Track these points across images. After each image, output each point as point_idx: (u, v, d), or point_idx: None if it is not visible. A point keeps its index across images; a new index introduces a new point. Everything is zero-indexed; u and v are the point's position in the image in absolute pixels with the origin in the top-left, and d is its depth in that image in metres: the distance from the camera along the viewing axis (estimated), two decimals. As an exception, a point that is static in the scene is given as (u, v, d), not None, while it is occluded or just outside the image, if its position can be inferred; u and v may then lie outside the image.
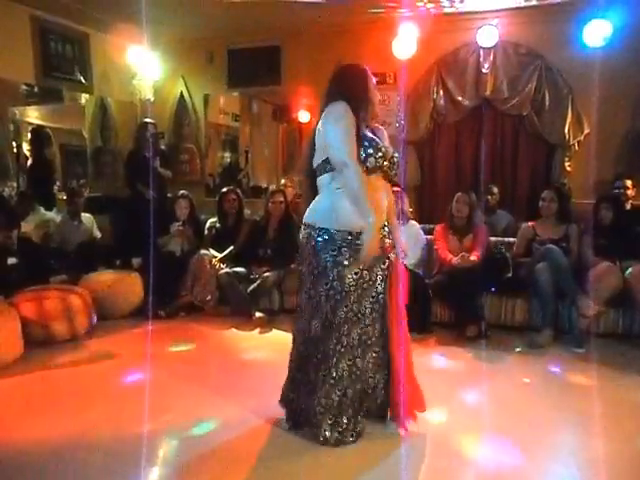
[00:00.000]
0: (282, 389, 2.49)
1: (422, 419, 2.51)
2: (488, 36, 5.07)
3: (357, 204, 2.18)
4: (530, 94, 5.10)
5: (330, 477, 2.14)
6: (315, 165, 2.32)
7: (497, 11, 5.09)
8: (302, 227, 2.35)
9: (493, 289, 4.04)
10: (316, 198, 2.34)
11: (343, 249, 2.21)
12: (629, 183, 4.56)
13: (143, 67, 6.09)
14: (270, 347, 3.79)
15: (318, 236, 2.25)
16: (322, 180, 2.31)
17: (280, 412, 2.50)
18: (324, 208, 2.28)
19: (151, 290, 4.19)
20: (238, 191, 5.04)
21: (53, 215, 5.28)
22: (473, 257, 4.02)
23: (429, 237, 4.42)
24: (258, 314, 4.28)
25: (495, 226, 4.80)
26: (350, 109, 2.20)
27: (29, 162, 5.77)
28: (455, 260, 4.03)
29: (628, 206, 4.48)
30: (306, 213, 2.36)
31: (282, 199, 4.71)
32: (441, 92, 5.40)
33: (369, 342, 2.34)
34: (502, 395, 2.93)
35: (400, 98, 5.48)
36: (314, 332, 2.30)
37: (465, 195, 4.23)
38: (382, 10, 5.03)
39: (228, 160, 6.80)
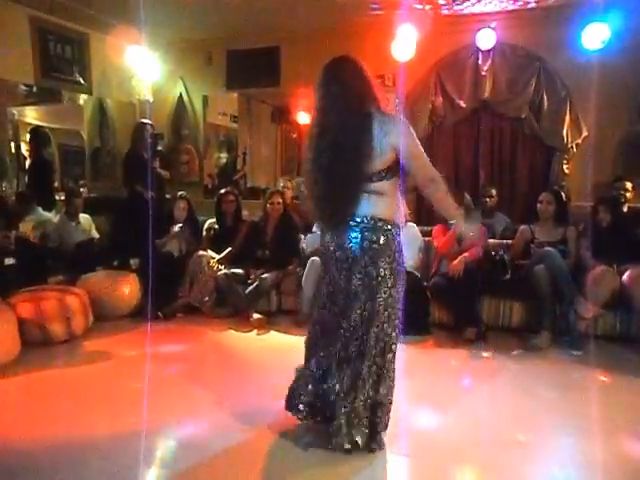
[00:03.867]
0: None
1: (418, 420, 2.51)
2: (487, 38, 5.08)
3: (449, 205, 2.40)
4: (528, 96, 5.11)
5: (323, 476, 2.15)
6: (374, 171, 2.19)
7: (496, 13, 5.10)
8: (382, 226, 2.24)
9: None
10: (382, 200, 2.24)
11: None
12: (629, 185, 4.57)
13: (142, 68, 6.09)
14: (268, 348, 3.79)
15: (397, 235, 2.30)
16: (383, 186, 2.23)
17: (276, 412, 2.50)
18: (396, 211, 2.32)
19: (149, 291, 4.19)
20: (236, 192, 5.04)
21: (51, 215, 5.27)
22: (465, 254, 4.01)
23: (427, 239, 4.42)
24: (256, 315, 4.28)
25: (493, 228, 4.80)
26: None
27: (28, 162, 5.77)
28: (451, 268, 4.00)
29: (625, 208, 4.48)
30: (382, 213, 2.25)
31: (280, 200, 4.71)
32: (439, 94, 5.41)
33: None
34: (500, 397, 2.93)
35: (399, 100, 5.49)
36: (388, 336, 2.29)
37: (459, 196, 4.22)
38: (381, 12, 5.04)
39: (225, 161, 6.81)
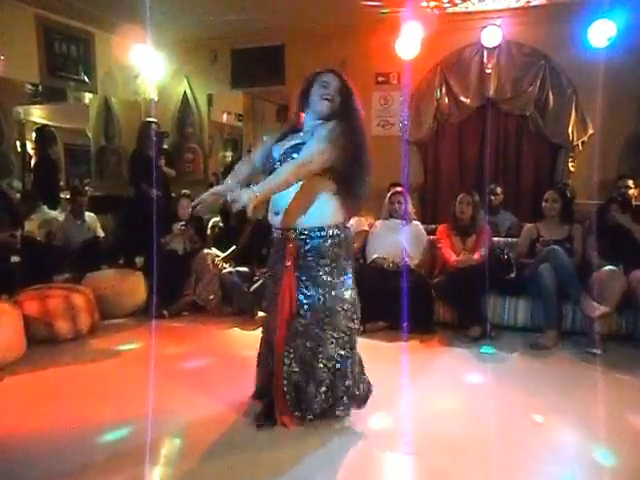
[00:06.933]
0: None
1: (422, 419, 2.50)
2: (492, 36, 5.06)
3: None
4: (534, 94, 5.09)
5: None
6: None
7: (501, 11, 5.08)
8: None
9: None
10: None
11: None
12: (631, 183, 4.54)
13: (147, 67, 6.10)
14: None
15: None
16: None
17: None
18: None
19: (154, 289, 4.20)
20: (241, 191, 5.03)
21: (57, 214, 5.30)
22: (475, 256, 4.01)
23: (432, 237, 4.42)
24: (261, 314, 4.26)
25: (498, 226, 4.79)
26: None
27: (33, 161, 5.81)
28: (455, 259, 4.01)
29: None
30: None
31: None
32: (444, 92, 5.39)
33: None
34: (505, 396, 2.92)
35: (403, 98, 5.48)
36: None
37: (468, 196, 4.22)
38: (386, 10, 5.03)
39: (230, 159, 6.82)
